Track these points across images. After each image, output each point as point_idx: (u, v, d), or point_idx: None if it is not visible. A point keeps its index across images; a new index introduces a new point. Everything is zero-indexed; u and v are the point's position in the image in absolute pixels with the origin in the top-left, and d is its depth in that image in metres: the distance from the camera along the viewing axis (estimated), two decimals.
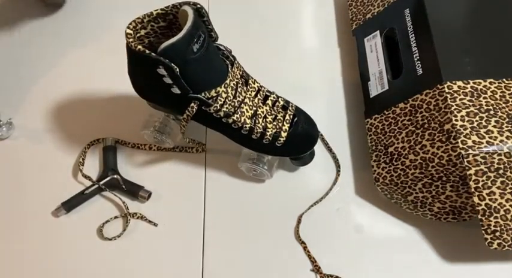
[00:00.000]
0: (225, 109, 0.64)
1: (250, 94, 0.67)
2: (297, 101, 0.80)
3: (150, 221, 0.73)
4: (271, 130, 0.67)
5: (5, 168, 0.78)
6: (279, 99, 0.69)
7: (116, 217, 0.73)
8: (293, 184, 0.75)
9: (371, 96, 0.76)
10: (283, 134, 0.67)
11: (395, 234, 0.70)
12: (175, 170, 0.77)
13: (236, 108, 0.65)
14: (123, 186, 0.74)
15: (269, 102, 0.68)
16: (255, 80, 0.68)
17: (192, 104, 0.63)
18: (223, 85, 0.63)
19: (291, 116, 0.68)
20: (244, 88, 0.66)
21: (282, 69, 0.84)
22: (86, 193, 0.73)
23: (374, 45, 0.78)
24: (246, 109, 0.66)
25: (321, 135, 0.78)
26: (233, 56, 0.66)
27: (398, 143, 0.69)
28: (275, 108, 0.68)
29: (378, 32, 0.78)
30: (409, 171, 0.66)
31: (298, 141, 0.69)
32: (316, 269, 0.68)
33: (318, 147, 0.77)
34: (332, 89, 0.82)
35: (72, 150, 0.79)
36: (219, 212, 0.73)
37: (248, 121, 0.66)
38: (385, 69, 0.75)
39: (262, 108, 0.67)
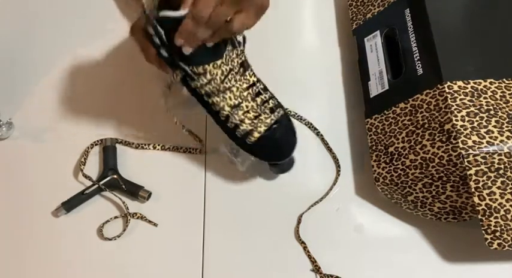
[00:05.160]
0: (207, 89, 0.64)
1: (240, 85, 0.65)
2: (296, 101, 0.80)
3: (150, 221, 0.73)
4: (246, 127, 0.66)
5: (5, 168, 0.78)
6: (270, 101, 0.68)
7: (116, 217, 0.73)
8: (293, 184, 0.75)
9: (371, 96, 0.76)
10: (256, 134, 0.66)
11: (395, 234, 0.70)
12: (175, 170, 0.77)
13: (219, 92, 0.64)
14: (123, 186, 0.74)
15: (259, 99, 0.67)
16: (253, 74, 0.67)
17: (177, 72, 0.63)
18: (212, 65, 0.62)
19: (272, 121, 0.67)
20: (238, 77, 0.65)
21: (281, 69, 0.84)
22: (86, 193, 0.73)
23: (374, 45, 0.78)
24: (230, 97, 0.65)
25: (321, 135, 0.78)
26: (239, 43, 0.65)
27: (398, 143, 0.69)
28: (262, 107, 0.67)
29: (378, 32, 0.78)
30: (409, 171, 0.66)
31: (269, 147, 0.68)
32: (316, 269, 0.68)
33: (318, 147, 0.77)
34: (332, 89, 0.82)
35: (72, 150, 0.79)
36: (219, 212, 0.73)
37: (227, 109, 0.65)
38: (385, 69, 0.75)
39: (250, 102, 0.66)
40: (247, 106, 0.66)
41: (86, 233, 0.72)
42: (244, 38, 0.65)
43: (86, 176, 0.75)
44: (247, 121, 0.66)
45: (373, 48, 0.78)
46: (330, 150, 0.77)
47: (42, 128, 0.81)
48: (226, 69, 0.64)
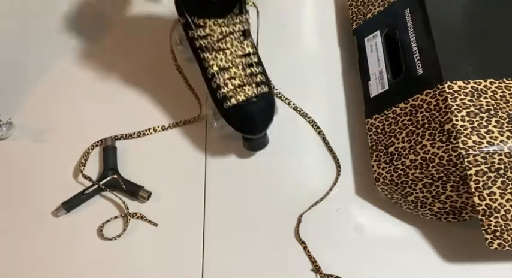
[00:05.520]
0: (202, 42, 0.66)
1: (235, 51, 0.68)
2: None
3: (150, 221, 0.73)
4: (226, 91, 0.68)
5: (5, 168, 0.78)
6: (259, 75, 0.70)
7: (116, 217, 0.73)
8: (293, 184, 0.75)
9: (371, 96, 0.76)
10: (233, 101, 0.69)
11: (395, 234, 0.70)
12: (175, 170, 0.77)
13: (212, 50, 0.66)
14: (123, 186, 0.74)
15: (248, 70, 0.69)
16: (252, 46, 0.69)
17: (181, 18, 0.66)
18: (213, 21, 0.65)
19: (253, 94, 0.69)
20: (235, 43, 0.67)
21: (282, 68, 0.84)
22: (86, 193, 0.73)
23: (374, 44, 0.78)
24: (221, 58, 0.67)
25: (323, 134, 0.78)
26: (247, 11, 0.67)
27: (398, 143, 0.69)
28: (250, 79, 0.69)
29: (378, 32, 0.78)
30: (410, 171, 0.66)
31: (241, 117, 0.70)
32: (316, 269, 0.68)
33: (319, 147, 0.77)
34: (332, 89, 0.82)
35: (72, 150, 0.79)
36: (219, 212, 0.73)
37: (215, 68, 0.68)
38: (386, 68, 0.75)
39: (239, 70, 0.68)
40: (235, 73, 0.68)
41: (86, 233, 0.72)
42: (257, 12, 0.68)
43: (85, 177, 0.75)
44: (230, 86, 0.68)
45: (373, 48, 0.78)
46: (330, 149, 0.77)
47: (42, 128, 0.81)
48: (225, 31, 0.66)
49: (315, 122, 0.79)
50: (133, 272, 0.70)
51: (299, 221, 0.72)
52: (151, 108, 0.81)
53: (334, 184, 0.74)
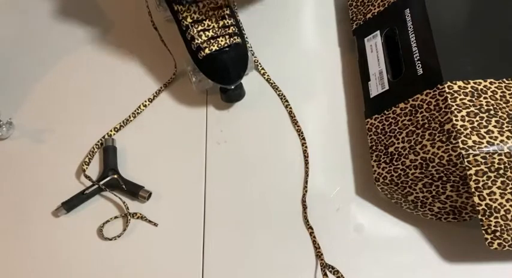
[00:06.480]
0: None
1: (208, 4, 0.70)
2: (297, 101, 0.81)
3: (150, 221, 0.73)
4: (200, 42, 0.71)
5: (5, 168, 0.78)
6: (231, 27, 0.72)
7: (116, 217, 0.73)
8: (293, 183, 0.75)
9: (371, 96, 0.76)
10: (206, 51, 0.71)
11: (395, 234, 0.70)
12: (175, 170, 0.77)
13: (185, 3, 0.69)
14: (123, 186, 0.74)
15: (221, 22, 0.71)
16: None
17: None
18: None
19: (226, 44, 0.72)
20: None
21: (281, 68, 0.84)
22: (86, 193, 0.73)
23: (374, 45, 0.78)
24: (194, 11, 0.70)
25: (290, 107, 0.79)
26: None
27: (398, 143, 0.69)
28: (223, 31, 0.71)
29: (378, 32, 0.78)
30: (409, 171, 0.66)
31: (215, 66, 0.72)
32: (318, 255, 0.68)
33: (321, 148, 0.77)
34: (332, 89, 0.82)
35: (72, 150, 0.79)
36: (219, 212, 0.73)
37: (189, 20, 0.70)
38: (385, 69, 0.75)
39: (212, 23, 0.71)
40: (208, 25, 0.70)
41: (86, 233, 0.72)
42: None
43: (86, 176, 0.75)
44: (203, 37, 0.71)
45: (373, 48, 0.78)
46: (295, 122, 0.78)
47: (42, 128, 0.81)
48: None
49: (284, 96, 0.81)
50: (133, 272, 0.70)
51: (304, 206, 0.72)
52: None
53: (306, 158, 0.76)
